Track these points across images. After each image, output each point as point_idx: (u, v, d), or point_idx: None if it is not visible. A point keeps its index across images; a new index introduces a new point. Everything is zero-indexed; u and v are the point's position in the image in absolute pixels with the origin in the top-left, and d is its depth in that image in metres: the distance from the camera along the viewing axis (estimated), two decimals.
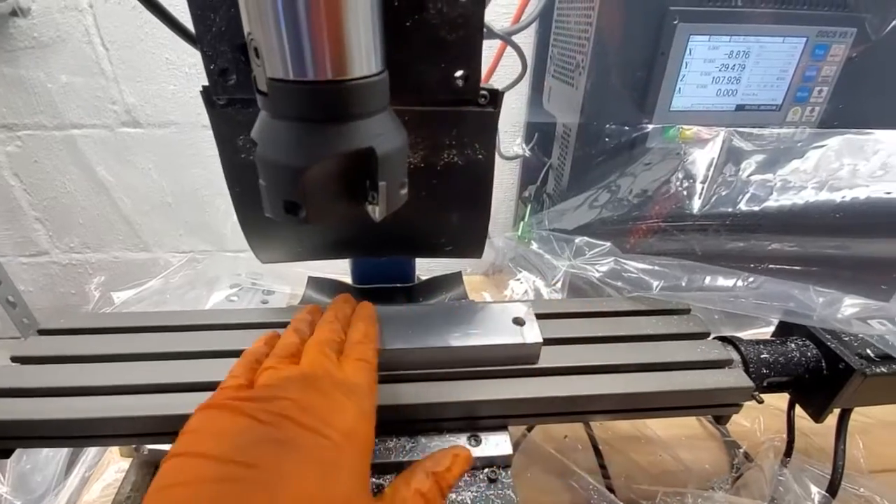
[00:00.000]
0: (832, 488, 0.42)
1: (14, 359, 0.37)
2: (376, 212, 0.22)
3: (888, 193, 0.45)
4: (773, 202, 0.45)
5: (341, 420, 0.23)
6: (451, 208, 0.37)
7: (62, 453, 0.63)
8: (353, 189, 0.22)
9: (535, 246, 0.57)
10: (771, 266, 0.48)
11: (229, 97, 0.30)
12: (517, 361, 0.36)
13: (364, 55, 0.20)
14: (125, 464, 0.48)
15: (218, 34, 0.27)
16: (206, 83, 0.30)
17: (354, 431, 0.24)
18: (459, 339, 0.35)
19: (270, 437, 0.21)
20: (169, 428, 0.34)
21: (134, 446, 0.46)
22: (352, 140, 0.21)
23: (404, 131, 0.23)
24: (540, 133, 0.69)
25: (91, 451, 0.55)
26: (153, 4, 0.27)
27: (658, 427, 0.52)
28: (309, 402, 0.24)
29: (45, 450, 0.63)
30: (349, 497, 0.21)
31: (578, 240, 0.53)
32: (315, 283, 0.53)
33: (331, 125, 0.20)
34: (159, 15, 0.28)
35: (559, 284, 0.55)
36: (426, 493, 0.25)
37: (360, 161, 0.21)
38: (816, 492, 0.42)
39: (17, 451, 0.36)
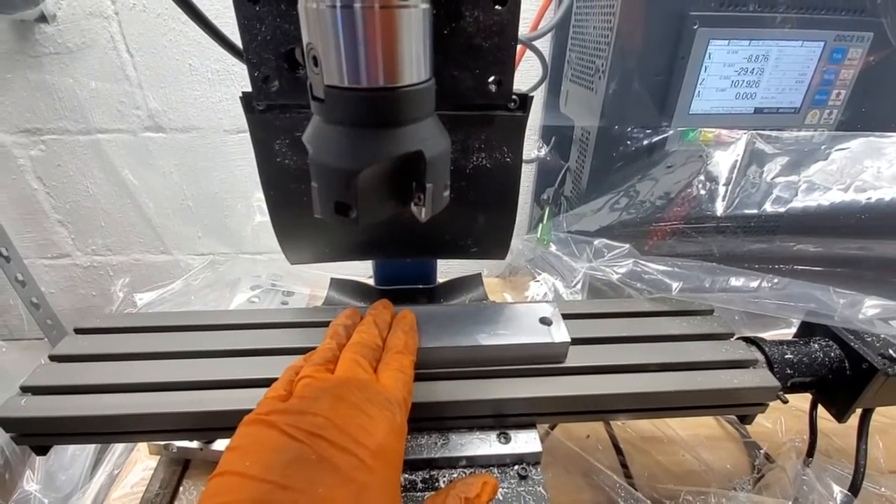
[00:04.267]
0: (854, 488, 0.42)
1: (52, 357, 0.38)
2: (422, 213, 0.23)
3: None
4: (797, 203, 0.45)
5: (372, 437, 0.24)
6: (478, 210, 0.38)
7: (88, 452, 0.64)
8: (400, 191, 0.23)
9: (553, 248, 0.58)
10: (794, 267, 0.49)
11: (269, 103, 0.31)
12: (545, 360, 0.36)
13: (415, 64, 0.21)
14: (152, 462, 0.49)
15: (263, 43, 0.28)
16: (245, 90, 0.31)
17: (385, 448, 0.24)
18: (489, 339, 0.35)
19: (304, 457, 0.22)
20: (202, 424, 0.35)
21: (163, 444, 0.47)
22: (402, 144, 0.21)
23: (448, 136, 0.24)
24: (557, 136, 0.70)
25: (117, 451, 0.56)
26: (199, 17, 0.28)
27: (678, 427, 0.53)
28: (341, 418, 0.24)
29: (72, 449, 0.64)
30: None
31: (597, 242, 0.53)
32: (337, 284, 0.54)
33: (382, 130, 0.21)
34: (204, 26, 0.29)
35: (579, 286, 0.55)
36: None
37: (408, 164, 0.22)
38: (839, 491, 0.42)
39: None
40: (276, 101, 0.30)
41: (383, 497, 0.23)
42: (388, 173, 0.22)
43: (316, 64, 0.21)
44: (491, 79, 0.30)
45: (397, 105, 0.21)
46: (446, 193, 0.24)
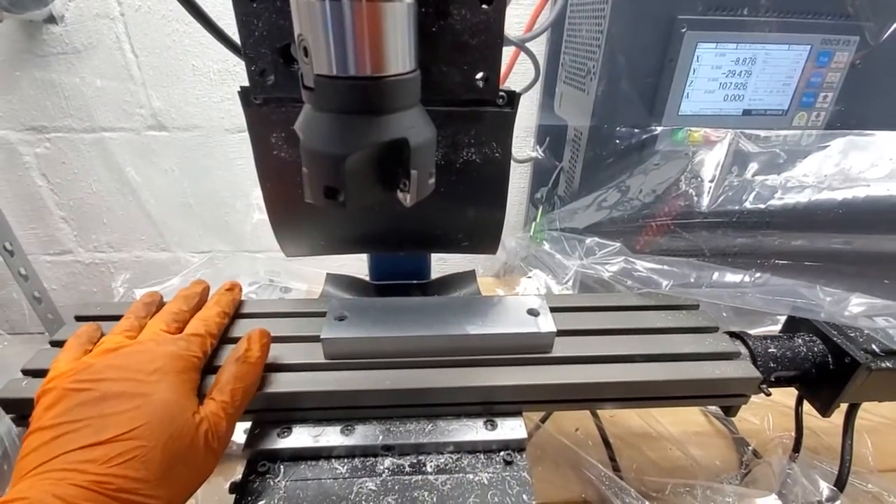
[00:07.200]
0: (840, 482, 0.43)
1: (53, 343, 0.39)
2: (407, 198, 0.24)
3: (890, 191, 0.47)
4: (777, 200, 0.47)
5: (152, 363, 0.28)
6: (468, 204, 0.39)
7: None
8: (387, 177, 0.24)
9: (546, 246, 0.59)
10: (778, 262, 0.50)
11: (266, 96, 0.32)
12: (532, 350, 0.37)
13: (400, 55, 0.22)
14: None
15: (260, 38, 0.29)
16: (243, 85, 0.32)
17: (163, 366, 0.28)
18: (477, 328, 0.36)
19: (89, 398, 0.26)
20: None
21: None
22: (388, 131, 0.23)
23: (433, 125, 0.25)
24: (551, 136, 0.71)
25: None
26: (200, 14, 0.30)
27: (668, 423, 0.53)
28: (122, 358, 0.28)
29: None
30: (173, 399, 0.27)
31: (589, 240, 0.54)
32: (333, 279, 0.55)
33: (369, 117, 0.22)
34: (205, 23, 0.30)
35: (570, 283, 0.56)
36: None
37: (394, 151, 0.23)
38: (825, 486, 0.43)
39: None
40: (272, 95, 0.32)
41: (169, 392, 0.27)
42: (375, 159, 0.23)
43: (306, 54, 0.22)
44: (479, 75, 0.31)
45: (383, 94, 0.22)
46: (431, 181, 0.26)
